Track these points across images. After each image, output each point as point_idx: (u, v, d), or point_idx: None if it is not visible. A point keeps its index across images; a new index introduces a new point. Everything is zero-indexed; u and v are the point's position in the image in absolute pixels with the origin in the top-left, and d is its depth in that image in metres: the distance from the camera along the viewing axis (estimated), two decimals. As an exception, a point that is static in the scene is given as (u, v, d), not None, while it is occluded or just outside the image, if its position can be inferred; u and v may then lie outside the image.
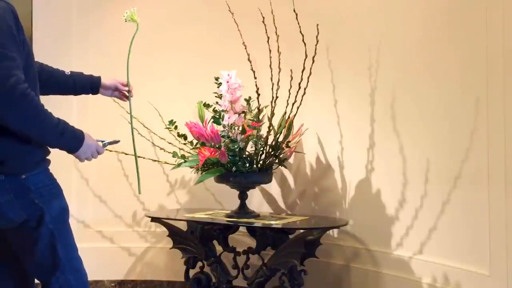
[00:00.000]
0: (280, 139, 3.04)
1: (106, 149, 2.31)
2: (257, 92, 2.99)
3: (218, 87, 3.01)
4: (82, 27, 3.77)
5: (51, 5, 3.79)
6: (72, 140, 2.06)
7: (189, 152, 3.11)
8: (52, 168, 3.71)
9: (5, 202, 1.95)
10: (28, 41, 2.00)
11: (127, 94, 2.48)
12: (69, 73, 2.41)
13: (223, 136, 2.98)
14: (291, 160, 3.31)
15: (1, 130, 1.93)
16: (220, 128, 3.01)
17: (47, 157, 2.13)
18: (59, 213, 2.08)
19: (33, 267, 2.10)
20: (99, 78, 2.46)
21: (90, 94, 2.49)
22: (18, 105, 1.86)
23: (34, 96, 1.91)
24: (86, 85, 2.44)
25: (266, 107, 3.04)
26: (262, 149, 3.02)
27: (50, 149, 2.17)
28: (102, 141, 2.24)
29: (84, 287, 2.16)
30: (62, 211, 2.10)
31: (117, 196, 3.60)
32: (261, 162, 3.03)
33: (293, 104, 3.01)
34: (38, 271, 2.10)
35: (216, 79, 3.02)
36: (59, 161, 3.78)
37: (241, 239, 3.35)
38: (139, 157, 2.51)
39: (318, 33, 2.92)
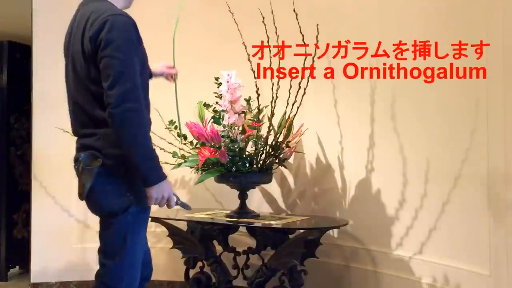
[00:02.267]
0: (280, 139, 3.04)
1: None
2: (257, 92, 2.99)
3: (218, 87, 3.01)
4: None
5: (51, 6, 3.79)
6: (154, 171, 2.13)
7: (189, 152, 3.11)
8: (53, 168, 3.77)
9: (101, 192, 2.15)
10: (144, 49, 2.20)
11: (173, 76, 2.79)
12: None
13: (223, 136, 2.98)
14: (291, 160, 3.31)
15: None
16: (220, 128, 3.01)
17: None
18: (142, 210, 2.19)
19: (101, 248, 2.23)
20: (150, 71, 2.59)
21: None
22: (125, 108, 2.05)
23: (142, 110, 2.09)
24: None
25: (266, 107, 3.04)
26: (262, 149, 3.02)
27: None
28: (177, 197, 2.28)
29: (134, 285, 2.22)
30: (145, 209, 2.21)
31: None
32: (261, 162, 3.03)
33: (293, 104, 3.01)
34: (104, 254, 2.22)
35: (216, 79, 3.02)
36: (60, 161, 3.81)
37: (241, 239, 3.35)
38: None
39: (318, 33, 2.92)
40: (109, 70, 2.05)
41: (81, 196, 2.18)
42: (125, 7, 2.31)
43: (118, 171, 2.14)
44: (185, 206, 2.35)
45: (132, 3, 2.38)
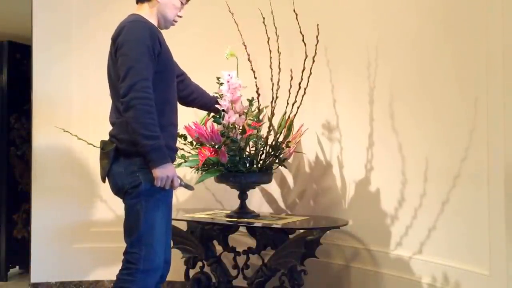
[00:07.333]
0: (280, 139, 3.04)
1: None
2: (257, 92, 2.99)
3: (219, 87, 3.01)
4: (82, 26, 3.77)
5: (51, 5, 3.79)
6: (157, 153, 2.33)
7: (189, 152, 3.11)
8: (53, 168, 3.77)
9: (116, 173, 2.42)
10: (164, 53, 2.47)
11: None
12: (213, 95, 2.99)
13: (223, 136, 2.97)
14: (291, 160, 3.31)
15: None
16: (220, 127, 3.01)
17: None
18: (156, 190, 2.39)
19: (124, 228, 2.46)
20: None
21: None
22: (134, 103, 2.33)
23: (149, 98, 2.34)
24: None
25: (266, 107, 3.04)
26: (262, 149, 3.02)
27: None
28: (181, 179, 2.45)
29: (151, 264, 2.41)
30: (159, 190, 2.39)
31: (117, 196, 3.60)
32: (261, 162, 3.03)
33: (293, 104, 3.02)
34: (125, 233, 2.46)
35: (218, 78, 3.02)
36: (60, 161, 3.81)
37: (241, 239, 3.35)
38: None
39: (318, 33, 2.92)
40: (122, 66, 2.35)
41: (102, 179, 2.50)
42: (162, 28, 2.60)
43: (130, 154, 2.39)
44: (188, 186, 2.54)
45: (169, 26, 2.64)
